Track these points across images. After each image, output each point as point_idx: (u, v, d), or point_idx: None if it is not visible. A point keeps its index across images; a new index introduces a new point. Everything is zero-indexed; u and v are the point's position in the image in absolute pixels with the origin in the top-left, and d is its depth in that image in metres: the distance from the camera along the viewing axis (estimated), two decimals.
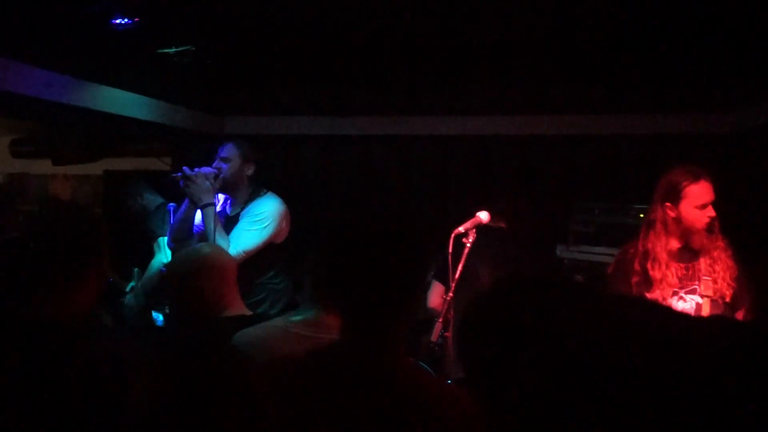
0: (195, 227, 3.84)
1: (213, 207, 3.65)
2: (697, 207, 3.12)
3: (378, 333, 1.62)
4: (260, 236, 3.65)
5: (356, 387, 1.59)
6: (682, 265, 3.19)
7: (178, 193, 3.95)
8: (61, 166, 7.74)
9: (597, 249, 4.58)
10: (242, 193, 3.87)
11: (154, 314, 4.61)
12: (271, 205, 3.79)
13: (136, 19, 3.69)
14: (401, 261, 1.63)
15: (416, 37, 4.72)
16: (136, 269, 5.02)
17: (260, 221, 3.70)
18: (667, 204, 3.17)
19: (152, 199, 5.08)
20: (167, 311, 4.34)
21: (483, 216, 3.26)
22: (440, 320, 3.04)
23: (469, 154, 5.54)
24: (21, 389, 1.80)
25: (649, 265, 3.18)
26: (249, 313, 2.72)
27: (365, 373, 1.61)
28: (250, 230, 3.67)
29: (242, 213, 3.80)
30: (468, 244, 3.17)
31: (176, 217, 3.89)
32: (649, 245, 3.21)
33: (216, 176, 3.77)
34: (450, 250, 3.12)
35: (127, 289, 4.96)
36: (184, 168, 3.73)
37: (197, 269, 2.63)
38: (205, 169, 3.76)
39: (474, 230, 3.21)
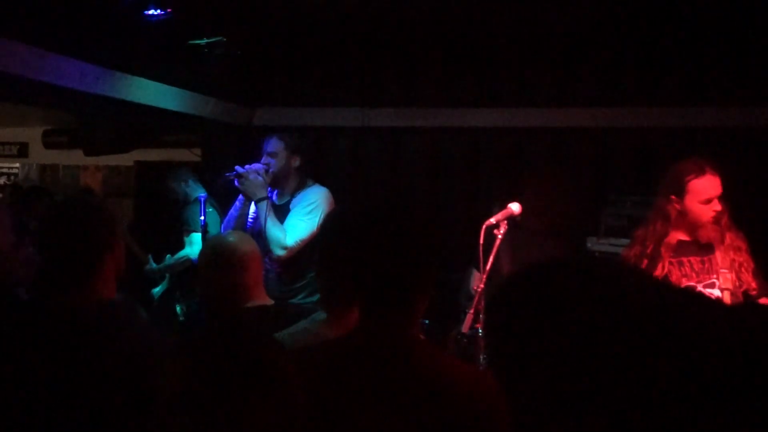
0: (248, 222, 3.97)
1: (268, 200, 3.79)
2: (701, 202, 3.07)
3: (394, 315, 1.66)
4: (314, 224, 3.74)
5: (376, 369, 1.63)
6: (697, 258, 3.14)
7: (229, 189, 4.03)
8: (93, 157, 7.83)
9: (628, 242, 4.52)
10: (291, 184, 3.96)
11: (177, 308, 4.68)
12: (320, 194, 3.89)
13: (169, 11, 3.72)
14: (415, 243, 1.68)
15: (447, 28, 4.70)
16: (168, 256, 5.09)
17: (313, 210, 3.80)
18: (673, 197, 3.14)
19: (195, 188, 5.18)
20: (193, 304, 4.41)
21: (514, 207, 3.24)
22: (471, 311, 3.02)
23: (499, 146, 5.51)
24: (46, 376, 1.83)
25: (647, 262, 3.14)
26: (271, 302, 2.72)
27: (383, 354, 1.65)
28: (304, 219, 3.77)
29: (292, 203, 3.90)
30: (499, 236, 3.14)
31: (232, 213, 4.00)
32: (651, 239, 3.18)
33: (266, 171, 3.87)
34: (481, 241, 3.10)
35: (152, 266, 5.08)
36: (236, 167, 3.85)
37: (220, 258, 2.64)
38: (255, 166, 3.86)
39: (505, 222, 3.19)
